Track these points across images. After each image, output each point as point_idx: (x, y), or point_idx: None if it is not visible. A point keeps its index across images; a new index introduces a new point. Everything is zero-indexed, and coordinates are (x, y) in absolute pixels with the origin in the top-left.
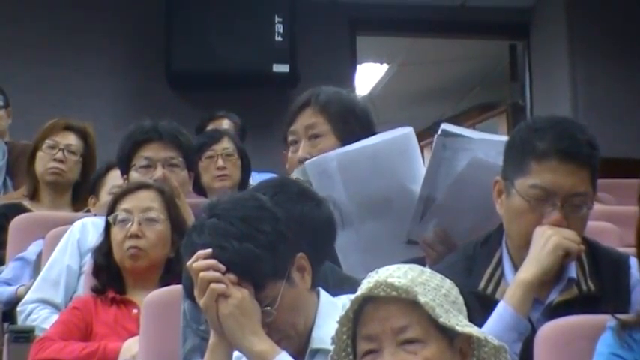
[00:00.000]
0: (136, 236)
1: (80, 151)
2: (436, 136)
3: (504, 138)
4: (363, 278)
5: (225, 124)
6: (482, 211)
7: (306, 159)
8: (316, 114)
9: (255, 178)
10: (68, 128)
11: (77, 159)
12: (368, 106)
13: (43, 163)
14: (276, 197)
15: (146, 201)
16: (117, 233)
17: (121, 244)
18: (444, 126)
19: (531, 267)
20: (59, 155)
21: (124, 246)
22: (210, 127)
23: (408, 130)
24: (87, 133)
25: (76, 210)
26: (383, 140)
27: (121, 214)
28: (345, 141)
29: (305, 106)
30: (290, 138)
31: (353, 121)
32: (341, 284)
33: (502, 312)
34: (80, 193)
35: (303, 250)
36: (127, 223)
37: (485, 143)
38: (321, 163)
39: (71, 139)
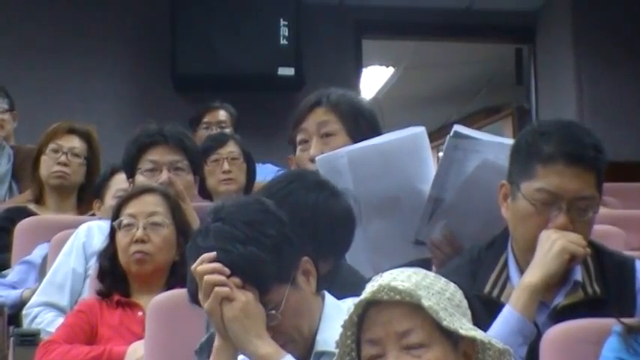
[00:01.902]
0: (141, 241)
1: (84, 153)
2: (448, 137)
3: None
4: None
5: (222, 115)
6: (490, 214)
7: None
8: (328, 113)
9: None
10: (71, 131)
11: (81, 162)
12: (374, 109)
13: (47, 166)
14: (292, 185)
15: (151, 205)
16: (122, 238)
17: (126, 249)
18: (456, 127)
19: (537, 271)
20: (63, 158)
21: (129, 251)
22: (207, 118)
23: (420, 130)
24: (90, 135)
25: (81, 213)
26: (394, 139)
27: (126, 219)
28: (356, 140)
29: (317, 105)
30: (300, 137)
31: (362, 122)
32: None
33: (507, 316)
34: (85, 196)
35: (309, 252)
36: (132, 227)
37: (497, 146)
38: (332, 159)
39: (75, 142)
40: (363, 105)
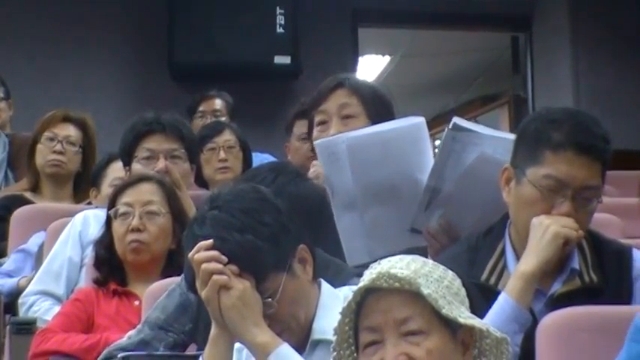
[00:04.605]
0: (137, 230)
1: (79, 141)
2: (446, 129)
3: (514, 136)
4: (364, 264)
5: (217, 104)
6: (487, 206)
7: None
8: (350, 95)
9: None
10: (66, 119)
11: (76, 150)
12: (389, 95)
13: (43, 155)
14: (278, 179)
15: (147, 194)
16: (118, 227)
17: (122, 238)
18: (455, 119)
19: (532, 258)
20: (58, 147)
21: (125, 240)
22: (202, 107)
23: (420, 120)
24: (86, 123)
25: (78, 201)
26: (394, 127)
27: (122, 208)
28: (375, 123)
29: (338, 87)
30: (319, 118)
31: (381, 107)
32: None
33: (503, 304)
34: (81, 184)
35: (305, 241)
36: (128, 216)
37: (495, 140)
38: (331, 144)
39: (70, 130)
40: (382, 90)
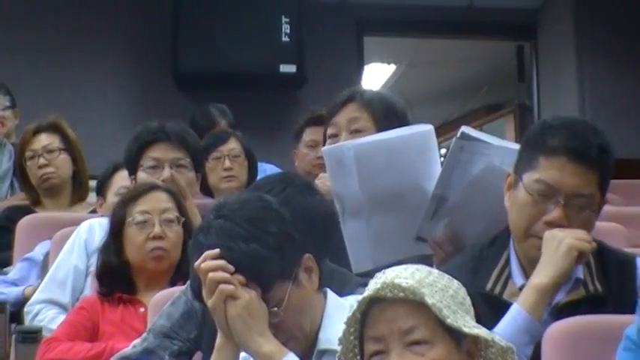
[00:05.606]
0: (159, 237)
1: (59, 146)
2: (454, 138)
3: None
4: (369, 272)
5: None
6: (493, 217)
7: None
8: (361, 109)
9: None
10: (38, 131)
11: (58, 155)
12: (406, 108)
13: (33, 174)
14: (287, 191)
15: (163, 202)
16: (136, 235)
17: (142, 245)
18: (464, 129)
19: (547, 271)
20: (41, 161)
21: (145, 248)
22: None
23: (428, 128)
24: (58, 125)
25: (74, 201)
26: (402, 135)
27: (138, 216)
28: None
29: (350, 101)
30: (330, 130)
31: (394, 121)
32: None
33: (515, 315)
34: (77, 183)
35: (311, 250)
36: (147, 224)
37: (503, 150)
38: (338, 151)
39: (44, 140)
40: (396, 103)
